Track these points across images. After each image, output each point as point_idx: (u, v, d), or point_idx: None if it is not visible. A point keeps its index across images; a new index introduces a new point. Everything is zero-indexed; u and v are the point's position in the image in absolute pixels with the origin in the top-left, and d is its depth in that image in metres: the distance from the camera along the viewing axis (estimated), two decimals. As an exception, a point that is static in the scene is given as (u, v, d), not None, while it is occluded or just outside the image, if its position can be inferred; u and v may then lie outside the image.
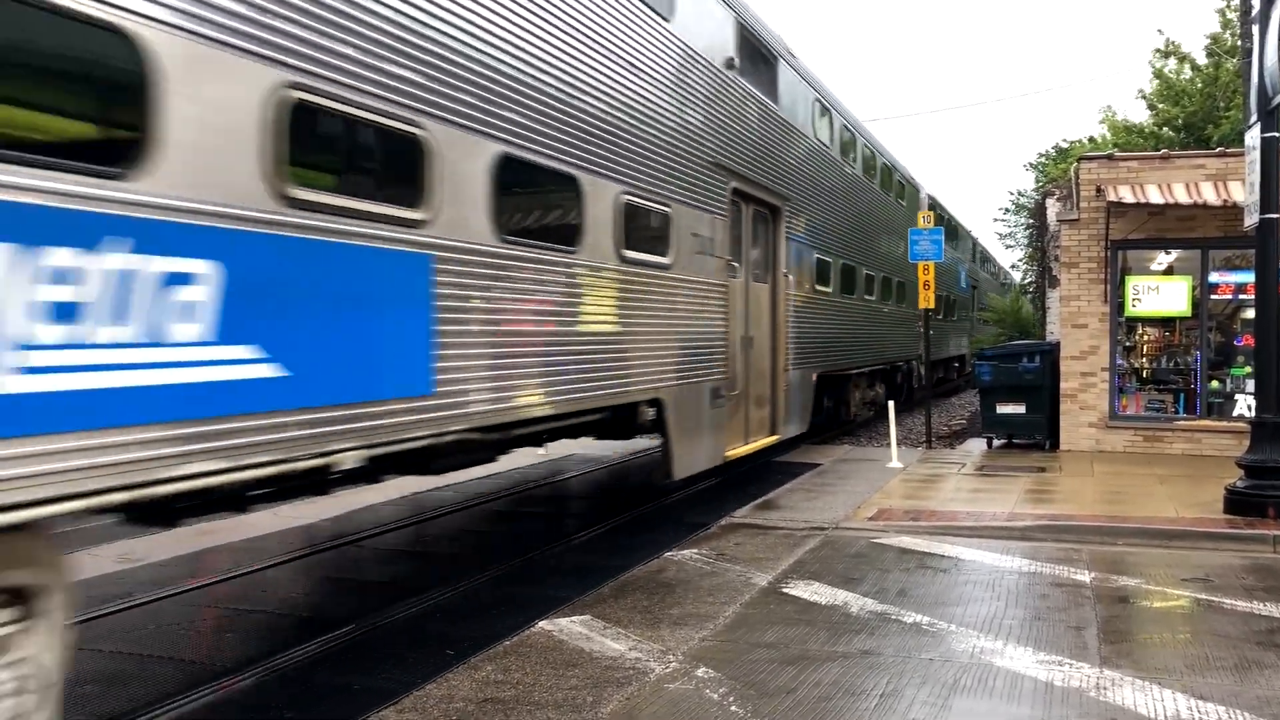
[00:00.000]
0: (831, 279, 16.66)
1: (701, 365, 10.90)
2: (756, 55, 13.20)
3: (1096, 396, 15.25)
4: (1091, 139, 28.59)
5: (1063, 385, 15.41)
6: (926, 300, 16.87)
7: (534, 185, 7.95)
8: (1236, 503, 10.01)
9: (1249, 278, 13.08)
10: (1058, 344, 15.89)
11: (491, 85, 7.10)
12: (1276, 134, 9.98)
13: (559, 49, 8.06)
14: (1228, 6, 23.27)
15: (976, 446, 16.50)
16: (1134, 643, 6.46)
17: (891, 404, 15.52)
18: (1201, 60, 24.57)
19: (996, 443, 16.22)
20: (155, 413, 4.47)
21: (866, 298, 19.29)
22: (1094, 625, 6.75)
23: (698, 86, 11.03)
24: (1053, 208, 21.10)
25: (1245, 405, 14.31)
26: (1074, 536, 9.45)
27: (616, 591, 7.64)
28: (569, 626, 6.73)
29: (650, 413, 9.80)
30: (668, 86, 10.22)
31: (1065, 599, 7.43)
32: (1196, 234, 14.81)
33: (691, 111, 10.82)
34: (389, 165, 6.38)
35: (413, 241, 6.27)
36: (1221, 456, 13.25)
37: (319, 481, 6.24)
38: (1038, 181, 37.92)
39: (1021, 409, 15.77)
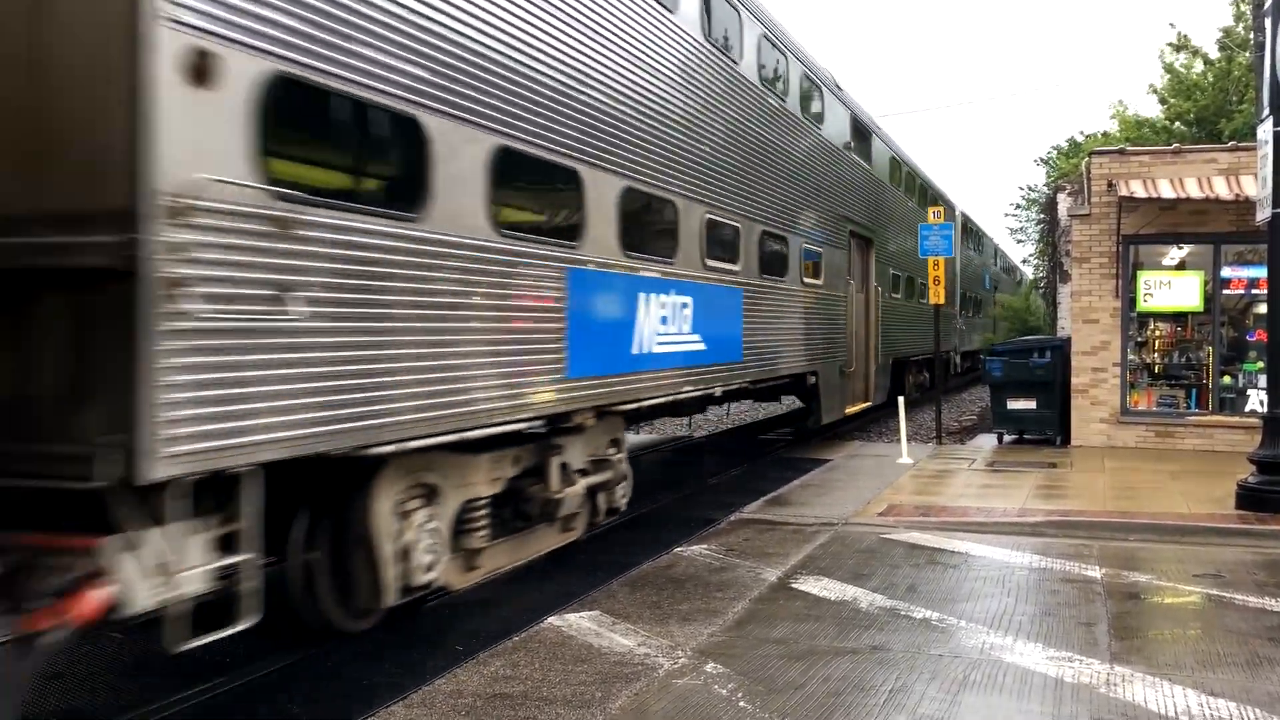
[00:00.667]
0: (900, 288, 21.58)
1: (837, 350, 16.01)
2: (860, 134, 18.52)
3: (1108, 392, 15.19)
4: (1105, 134, 28.49)
5: (1074, 381, 15.36)
6: (937, 296, 16.83)
7: (781, 248, 13.65)
8: (1248, 498, 9.97)
9: (1261, 272, 13.02)
10: (1069, 339, 15.84)
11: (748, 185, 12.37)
12: (1289, 128, 9.92)
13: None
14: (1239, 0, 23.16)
15: (987, 442, 16.46)
16: (1145, 639, 6.43)
17: (901, 400, 15.50)
18: (1213, 54, 24.46)
19: (1007, 438, 16.18)
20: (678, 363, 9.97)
21: (921, 301, 22.37)
22: (1104, 621, 6.73)
23: (835, 166, 16.56)
24: (1064, 203, 21.04)
25: (1257, 400, 14.25)
26: (1085, 532, 9.42)
27: (626, 587, 7.65)
28: (578, 622, 6.74)
29: (811, 379, 14.70)
30: (829, 171, 16.15)
31: (1076, 595, 7.41)
32: (1208, 229, 14.74)
33: (834, 184, 16.39)
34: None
35: (734, 282, 11.66)
36: (1234, 452, 13.19)
37: (705, 402, 12.35)
38: (1049, 176, 37.79)
39: (1032, 405, 15.72)
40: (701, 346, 10.49)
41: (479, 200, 6.68)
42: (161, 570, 4.53)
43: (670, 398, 9.98)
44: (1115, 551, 8.79)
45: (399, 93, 5.91)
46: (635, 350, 9.04)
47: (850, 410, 16.86)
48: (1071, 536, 9.31)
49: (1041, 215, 33.26)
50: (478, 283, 6.65)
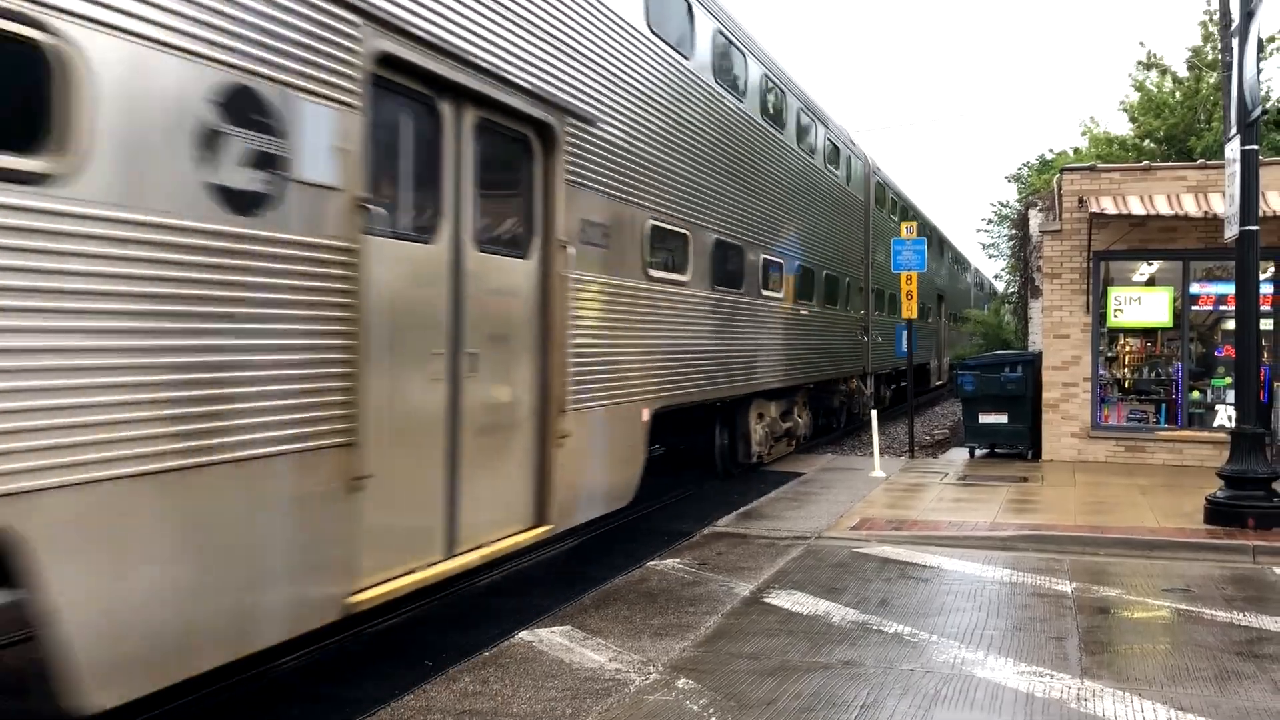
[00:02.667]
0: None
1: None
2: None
3: (1078, 407, 15.29)
4: (1076, 150, 28.73)
5: (1045, 395, 15.45)
6: (910, 310, 16.90)
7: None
8: (1217, 513, 10.05)
9: (1229, 289, 13.14)
10: (1040, 354, 15.94)
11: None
12: (1256, 147, 10.06)
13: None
14: (1209, 20, 23.43)
15: (959, 456, 16.52)
16: (1115, 653, 6.45)
17: (875, 413, 15.54)
18: (1183, 73, 24.72)
19: (979, 452, 16.24)
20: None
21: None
22: (1075, 636, 6.74)
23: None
24: (1035, 218, 21.21)
25: (1226, 416, 14.39)
26: (1056, 546, 9.46)
27: (598, 601, 7.61)
28: (549, 637, 6.69)
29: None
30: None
31: (1047, 609, 7.43)
32: (1178, 245, 14.89)
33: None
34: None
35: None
36: (1202, 467, 13.31)
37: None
38: (1020, 192, 38.08)
39: (1004, 419, 15.79)
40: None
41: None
42: None
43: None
44: (1086, 566, 8.83)
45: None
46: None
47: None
48: (1043, 551, 9.35)
49: (1013, 231, 33.49)
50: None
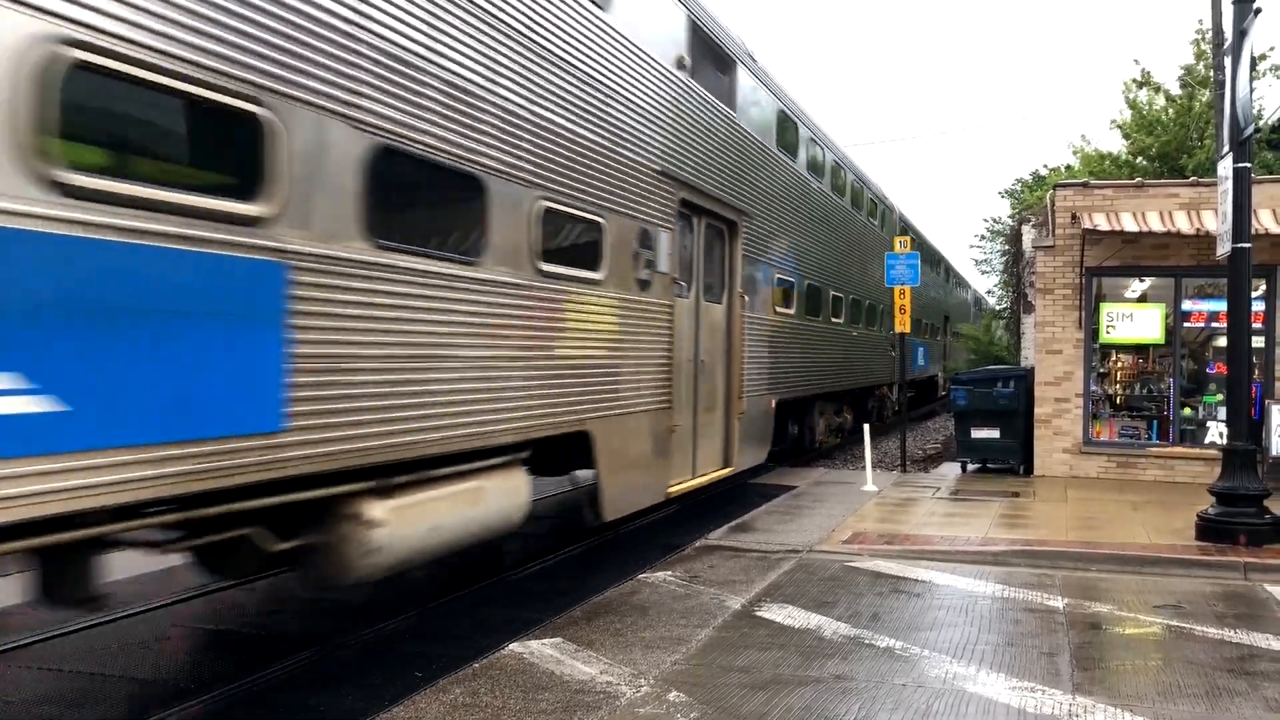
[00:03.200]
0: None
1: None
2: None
3: (1070, 422, 15.32)
4: (1068, 167, 28.86)
5: (1037, 411, 15.47)
6: (902, 324, 16.93)
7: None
8: (1208, 529, 10.06)
9: (1221, 306, 13.18)
10: (1032, 369, 15.96)
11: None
12: (1248, 164, 10.10)
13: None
14: (1201, 39, 23.58)
15: (951, 471, 16.53)
16: (1106, 669, 6.45)
17: (867, 428, 15.55)
18: (1175, 91, 24.86)
19: (971, 467, 16.25)
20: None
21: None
22: (1067, 651, 6.74)
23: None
24: (1028, 234, 21.24)
25: (1217, 433, 14.42)
26: (1047, 562, 9.45)
27: (589, 614, 7.58)
28: (540, 649, 6.66)
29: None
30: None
31: (1038, 625, 7.42)
32: (1170, 262, 14.94)
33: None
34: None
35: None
36: (1194, 483, 13.32)
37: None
38: (1013, 208, 38.19)
39: (996, 434, 15.81)
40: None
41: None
42: None
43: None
44: (1077, 581, 8.82)
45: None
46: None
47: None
48: (1034, 566, 9.35)
49: (1006, 247, 33.60)
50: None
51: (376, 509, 6.00)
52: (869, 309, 21.76)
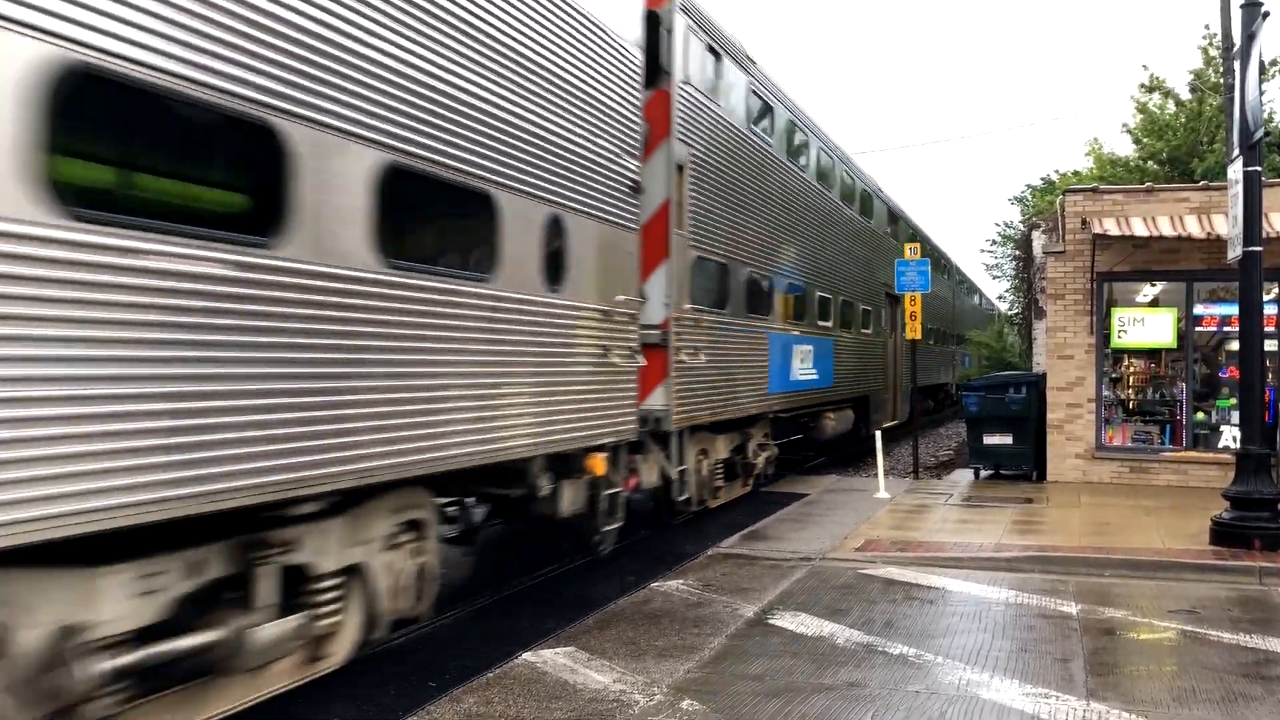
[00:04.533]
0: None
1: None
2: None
3: (1083, 428, 15.27)
4: (1076, 172, 28.80)
5: (1049, 416, 15.43)
6: (914, 331, 16.92)
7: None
8: (1222, 534, 10.02)
9: (1233, 310, 13.12)
10: (1044, 375, 15.93)
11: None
12: (1259, 168, 10.08)
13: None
14: (1210, 44, 23.52)
15: (964, 477, 16.49)
16: (1121, 675, 6.43)
17: (879, 434, 15.52)
18: (1185, 95, 24.80)
19: (984, 473, 16.22)
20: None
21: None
22: (1080, 657, 6.72)
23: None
24: (1038, 240, 21.22)
25: (1230, 437, 14.36)
26: (1061, 568, 9.43)
27: (602, 623, 7.59)
28: (553, 658, 6.67)
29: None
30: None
31: (1052, 630, 7.40)
32: (1181, 266, 14.90)
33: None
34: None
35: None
36: (1207, 488, 13.26)
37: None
38: (1023, 214, 38.12)
39: (1008, 440, 15.78)
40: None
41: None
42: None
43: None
44: (1091, 587, 8.80)
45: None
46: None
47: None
48: (1047, 572, 9.32)
49: (1016, 252, 33.54)
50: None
51: None
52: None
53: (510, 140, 7.24)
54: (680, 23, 11.18)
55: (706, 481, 12.36)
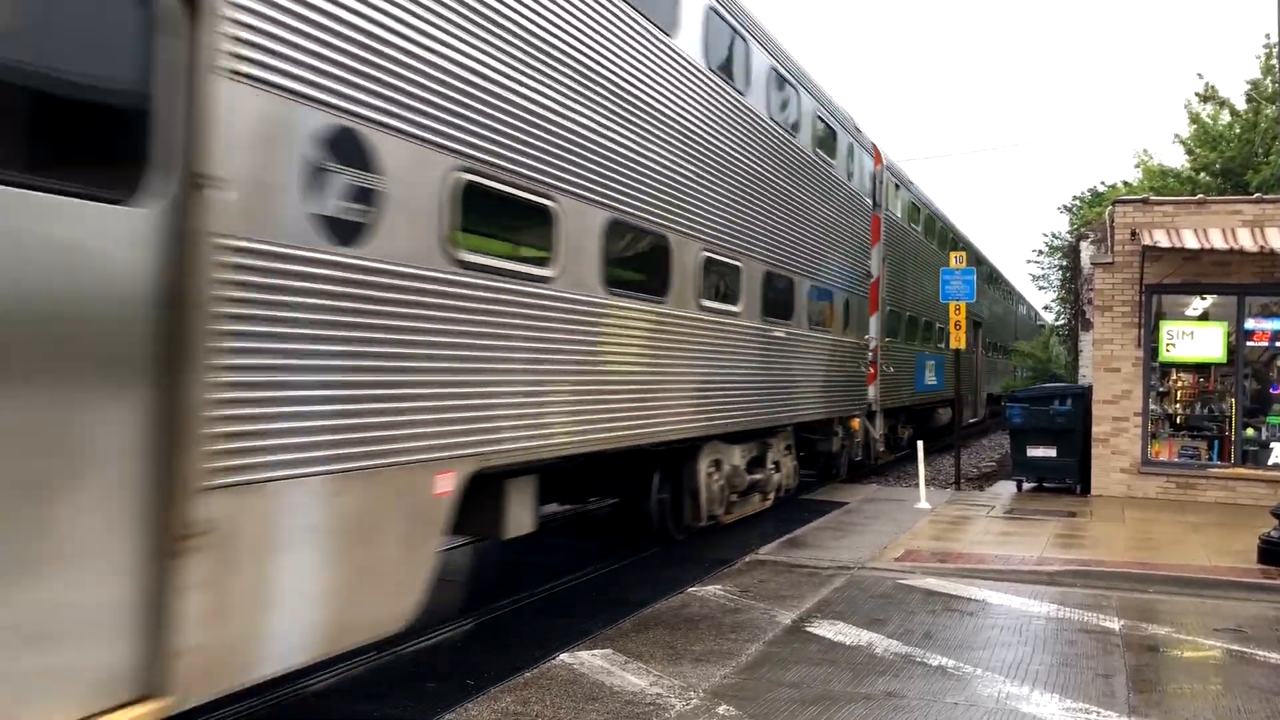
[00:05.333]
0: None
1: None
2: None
3: (1129, 441, 15.08)
4: (1126, 183, 28.44)
5: (1094, 429, 15.25)
6: (958, 340, 16.79)
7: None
8: (1271, 553, 9.84)
9: (1286, 325, 12.94)
10: (1090, 387, 15.74)
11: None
12: (1314, 181, 9.90)
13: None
14: (1270, 53, 23.15)
15: (1005, 489, 16.34)
16: (1163, 692, 6.34)
17: (920, 444, 15.42)
18: (1241, 106, 24.42)
19: (1026, 486, 16.05)
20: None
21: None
22: (1123, 673, 6.64)
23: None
24: (1087, 250, 21.00)
25: (1281, 454, 14.12)
26: (1104, 583, 9.32)
27: (638, 626, 7.61)
28: (590, 660, 6.70)
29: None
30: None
31: (1093, 646, 7.32)
32: (1233, 280, 14.67)
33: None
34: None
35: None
36: (1256, 505, 13.05)
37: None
38: (1072, 224, 37.71)
39: (1052, 452, 15.61)
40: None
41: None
42: None
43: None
44: (1134, 603, 8.69)
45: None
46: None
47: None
48: (1090, 586, 9.22)
49: (1063, 262, 33.20)
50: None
51: None
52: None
53: (809, 254, 13.68)
54: (886, 176, 18.92)
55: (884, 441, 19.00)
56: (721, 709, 5.78)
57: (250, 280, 4.49)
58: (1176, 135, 25.52)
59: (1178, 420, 15.30)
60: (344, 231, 5.09)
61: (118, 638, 4.01)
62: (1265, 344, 14.89)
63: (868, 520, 12.74)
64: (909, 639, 7.33)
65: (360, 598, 5.28)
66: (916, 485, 14.73)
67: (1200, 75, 45.36)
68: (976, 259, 28.01)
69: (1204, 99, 24.78)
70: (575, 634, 7.41)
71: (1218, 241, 13.94)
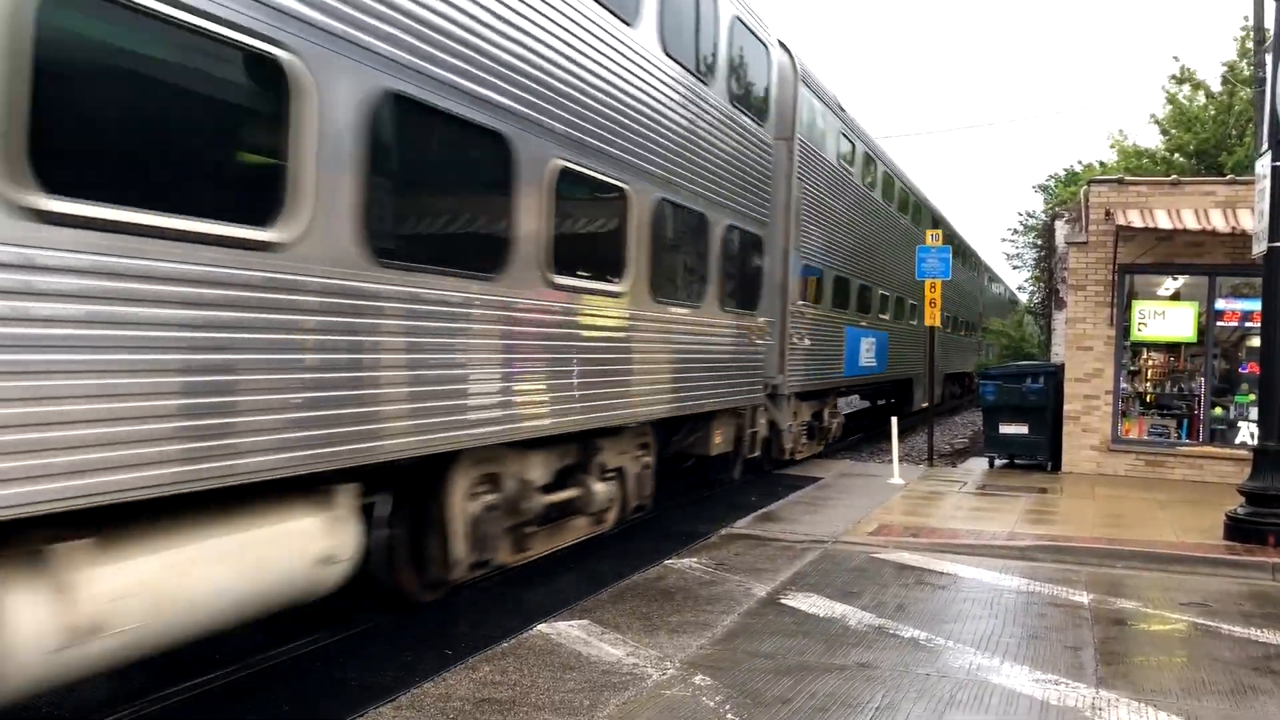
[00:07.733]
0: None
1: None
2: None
3: (1099, 419, 15.26)
4: (1101, 163, 28.62)
5: (1066, 407, 15.42)
6: (932, 318, 16.91)
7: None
8: (1237, 529, 10.02)
9: (1255, 305, 13.05)
10: (1062, 365, 15.91)
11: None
12: (1287, 163, 10.00)
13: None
14: (1247, 36, 23.30)
15: (978, 465, 16.51)
16: (1131, 664, 6.47)
17: (895, 420, 15.54)
18: (1216, 88, 24.60)
19: (998, 462, 16.23)
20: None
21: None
22: (1091, 646, 6.76)
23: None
24: (1061, 230, 21.15)
25: (1248, 433, 14.32)
26: (1073, 558, 9.46)
27: (615, 597, 7.67)
28: (567, 630, 6.75)
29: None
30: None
31: (1063, 619, 7.44)
32: (1204, 260, 14.83)
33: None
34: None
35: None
36: (1223, 483, 13.25)
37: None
38: (1047, 203, 37.95)
39: (1024, 429, 15.77)
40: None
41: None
42: None
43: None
44: (1103, 578, 8.83)
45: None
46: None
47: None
48: (1060, 561, 9.36)
49: (1038, 241, 33.42)
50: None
51: None
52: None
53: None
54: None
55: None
56: (697, 679, 5.85)
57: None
58: (1152, 116, 25.72)
59: (1148, 399, 15.49)
60: None
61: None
62: (1235, 324, 15.08)
63: (841, 495, 12.85)
64: (882, 611, 7.43)
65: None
66: (890, 461, 14.86)
67: (1176, 58, 45.66)
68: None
69: (1180, 80, 24.95)
70: (551, 606, 7.46)
71: (1190, 222, 14.08)
